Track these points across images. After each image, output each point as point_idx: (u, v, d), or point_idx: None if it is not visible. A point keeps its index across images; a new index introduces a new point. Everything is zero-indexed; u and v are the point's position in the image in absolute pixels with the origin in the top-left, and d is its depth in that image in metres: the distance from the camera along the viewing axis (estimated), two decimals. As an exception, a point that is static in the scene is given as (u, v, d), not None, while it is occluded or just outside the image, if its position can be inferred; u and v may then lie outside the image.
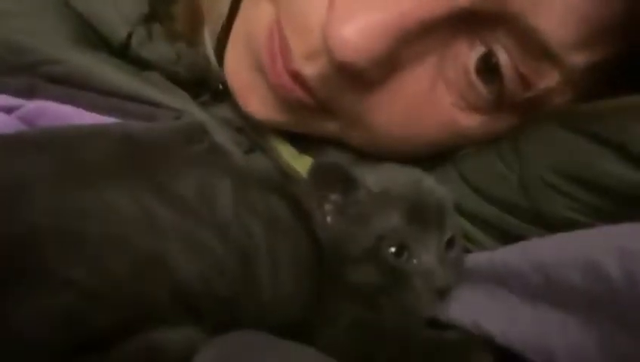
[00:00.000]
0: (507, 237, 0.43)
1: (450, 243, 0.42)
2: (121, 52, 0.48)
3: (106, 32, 0.47)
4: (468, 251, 0.45)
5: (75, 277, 0.27)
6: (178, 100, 0.47)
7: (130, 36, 0.47)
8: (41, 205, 0.29)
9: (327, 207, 0.42)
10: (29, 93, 0.44)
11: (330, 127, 0.48)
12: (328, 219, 0.42)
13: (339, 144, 0.50)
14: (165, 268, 0.30)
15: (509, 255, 0.38)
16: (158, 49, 0.48)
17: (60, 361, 0.26)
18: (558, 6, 0.37)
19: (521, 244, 0.39)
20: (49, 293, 0.27)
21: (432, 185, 0.43)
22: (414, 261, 0.40)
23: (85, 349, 0.26)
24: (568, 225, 0.38)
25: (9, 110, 0.43)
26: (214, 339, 0.28)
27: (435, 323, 0.42)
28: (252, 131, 0.51)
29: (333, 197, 0.42)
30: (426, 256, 0.40)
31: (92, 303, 0.27)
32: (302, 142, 0.51)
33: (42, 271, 0.27)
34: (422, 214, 0.41)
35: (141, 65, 0.48)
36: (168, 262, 0.30)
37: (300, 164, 0.50)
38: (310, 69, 0.42)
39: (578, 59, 0.39)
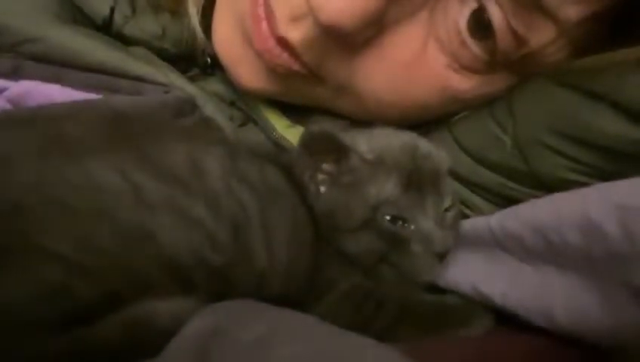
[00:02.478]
0: (505, 201, 0.43)
1: (447, 207, 0.41)
2: (105, 29, 0.47)
3: (88, 8, 0.46)
4: (466, 217, 0.44)
5: (61, 251, 0.27)
6: (166, 75, 0.46)
7: (112, 11, 0.46)
8: (25, 179, 0.29)
9: (321, 176, 0.41)
10: (15, 74, 0.43)
11: (321, 95, 0.47)
12: (322, 189, 0.41)
13: (331, 113, 0.50)
14: (153, 240, 0.29)
15: (506, 218, 0.38)
16: (143, 25, 0.47)
17: (47, 335, 0.26)
18: None
19: (518, 207, 0.38)
20: (35, 268, 0.27)
21: (427, 148, 0.42)
22: (412, 227, 0.39)
23: (73, 322, 0.26)
24: (567, 186, 0.38)
25: (-3, 92, 0.43)
26: (205, 308, 0.28)
27: (435, 288, 0.42)
28: (244, 103, 0.51)
29: (326, 166, 0.41)
30: (424, 222, 0.39)
31: (79, 277, 0.27)
32: (294, 112, 0.51)
33: (27, 245, 0.27)
34: (418, 180, 0.40)
35: (126, 41, 0.48)
36: (156, 234, 0.29)
37: (293, 134, 0.49)
38: (296, 34, 0.41)
39: (572, 11, 0.37)
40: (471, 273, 0.40)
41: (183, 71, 0.50)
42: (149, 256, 0.29)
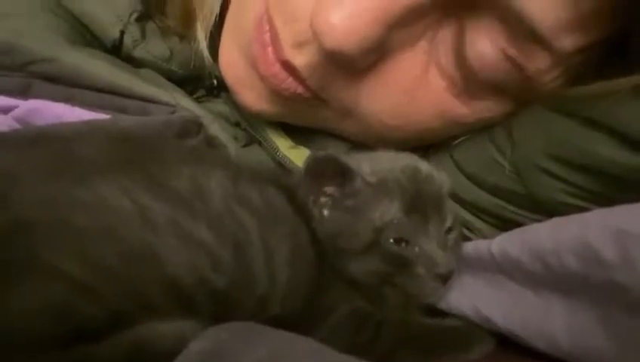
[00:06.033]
0: (505, 224, 0.43)
1: (449, 229, 0.42)
2: (115, 51, 0.48)
3: (99, 31, 0.47)
4: (467, 239, 0.44)
5: (66, 270, 0.27)
6: (173, 95, 0.47)
7: (122, 35, 0.47)
8: (32, 197, 0.29)
9: (324, 200, 0.42)
10: (24, 93, 0.44)
11: (324, 117, 0.48)
12: (325, 212, 0.41)
13: (334, 134, 0.50)
14: (157, 261, 0.30)
15: (507, 243, 0.38)
16: (152, 48, 0.49)
17: (49, 353, 0.26)
18: None
19: (518, 231, 0.39)
20: (39, 285, 0.27)
21: (428, 171, 0.43)
22: (415, 249, 0.40)
23: (75, 341, 0.26)
24: (565, 210, 0.38)
25: (5, 110, 0.43)
26: (206, 331, 0.28)
27: (435, 311, 0.42)
28: (248, 124, 0.52)
29: (330, 189, 0.41)
30: (427, 244, 0.40)
31: (82, 295, 0.27)
32: (297, 133, 0.51)
33: (32, 262, 0.27)
34: (420, 202, 0.41)
35: (135, 63, 0.49)
36: (160, 255, 0.30)
37: (296, 155, 0.50)
38: (301, 59, 0.42)
39: (567, 42, 0.38)
40: (472, 296, 0.40)
41: (190, 92, 0.51)
42: (153, 276, 0.29)
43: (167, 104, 0.45)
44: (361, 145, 0.50)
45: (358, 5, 0.38)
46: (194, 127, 0.44)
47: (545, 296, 0.35)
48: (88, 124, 0.40)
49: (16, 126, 0.43)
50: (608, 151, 0.36)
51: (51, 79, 0.44)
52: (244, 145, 0.52)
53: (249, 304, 0.34)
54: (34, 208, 0.29)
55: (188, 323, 0.29)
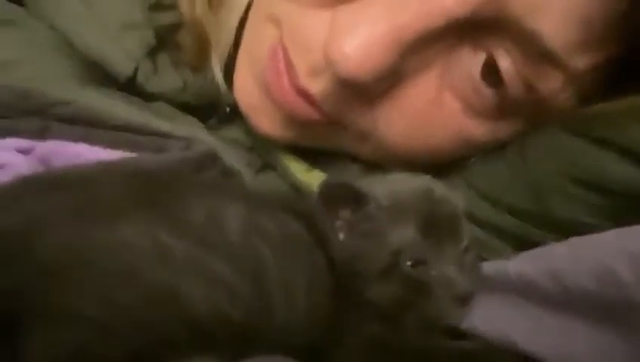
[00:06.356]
0: (522, 244, 0.43)
1: (465, 249, 0.41)
2: (128, 87, 0.49)
3: (111, 69, 0.48)
4: (484, 259, 0.44)
5: (87, 311, 0.28)
6: (187, 128, 0.48)
7: (136, 72, 0.48)
8: (54, 240, 0.30)
9: (339, 224, 0.42)
10: (42, 135, 0.45)
11: (340, 141, 0.48)
12: (340, 236, 0.42)
13: (349, 156, 0.51)
14: (177, 299, 0.30)
15: (523, 263, 0.38)
16: (164, 81, 0.50)
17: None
18: (557, 9, 0.37)
19: (535, 252, 0.38)
20: (60, 327, 0.28)
21: (443, 193, 0.43)
22: (433, 272, 0.40)
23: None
24: (581, 229, 0.38)
25: (25, 152, 0.45)
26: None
27: (453, 333, 0.42)
28: (262, 149, 0.52)
29: (344, 214, 0.42)
30: (445, 266, 0.40)
31: (103, 337, 0.28)
32: (312, 156, 0.52)
33: (54, 304, 0.28)
34: (436, 225, 0.41)
35: (148, 97, 0.50)
36: (179, 292, 0.30)
37: (311, 178, 0.50)
38: (316, 86, 0.43)
39: (580, 61, 0.38)
40: (491, 317, 0.40)
41: (203, 120, 0.52)
42: (172, 314, 0.30)
43: (182, 138, 0.46)
44: (375, 166, 0.50)
45: (371, 34, 0.39)
46: (210, 160, 0.45)
47: (564, 318, 0.35)
48: (107, 164, 0.41)
49: (38, 166, 0.44)
50: (620, 171, 0.36)
51: (68, 120, 0.45)
52: (259, 171, 0.53)
53: (268, 334, 0.34)
54: (57, 251, 0.30)
55: (208, 359, 0.30)
